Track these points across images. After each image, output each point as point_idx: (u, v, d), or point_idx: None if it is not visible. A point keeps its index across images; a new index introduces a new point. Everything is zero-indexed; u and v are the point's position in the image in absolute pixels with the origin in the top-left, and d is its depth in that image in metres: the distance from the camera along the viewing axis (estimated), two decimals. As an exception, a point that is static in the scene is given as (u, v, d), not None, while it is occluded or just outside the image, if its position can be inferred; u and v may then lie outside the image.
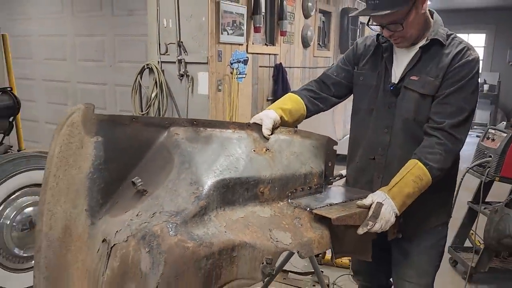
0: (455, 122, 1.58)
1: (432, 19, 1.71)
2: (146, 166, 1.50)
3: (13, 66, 5.95)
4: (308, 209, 1.54)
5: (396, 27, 1.59)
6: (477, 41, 11.36)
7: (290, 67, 5.95)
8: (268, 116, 1.65)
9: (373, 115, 1.80)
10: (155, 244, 1.27)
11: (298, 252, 1.43)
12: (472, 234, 3.36)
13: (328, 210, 1.53)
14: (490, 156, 3.03)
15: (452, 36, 1.69)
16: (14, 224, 2.35)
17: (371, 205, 1.51)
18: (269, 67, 5.48)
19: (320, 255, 3.32)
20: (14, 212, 2.35)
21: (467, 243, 3.54)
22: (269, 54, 5.45)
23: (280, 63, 5.61)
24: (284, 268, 3.14)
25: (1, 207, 2.29)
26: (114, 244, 1.33)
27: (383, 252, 1.88)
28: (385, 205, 1.50)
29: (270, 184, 1.55)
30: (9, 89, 2.84)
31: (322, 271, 3.16)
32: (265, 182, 1.54)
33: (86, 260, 1.46)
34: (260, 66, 5.28)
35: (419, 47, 1.68)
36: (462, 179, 3.05)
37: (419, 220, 1.74)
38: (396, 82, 1.72)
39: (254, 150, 1.59)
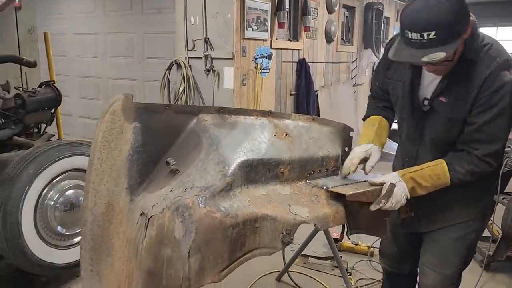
0: (489, 152, 1.57)
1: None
2: (178, 149, 1.67)
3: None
4: (324, 187, 1.69)
5: (444, 62, 1.46)
6: (506, 34, 11.14)
7: (313, 62, 6.06)
8: (376, 155, 1.82)
9: (405, 124, 1.83)
10: (187, 215, 1.44)
11: (315, 225, 1.58)
12: (491, 223, 3.41)
13: (343, 188, 1.67)
14: (509, 147, 3.08)
15: (487, 48, 1.53)
16: (57, 205, 2.58)
17: (382, 184, 1.64)
18: (293, 62, 5.61)
19: (339, 241, 3.45)
20: (57, 194, 2.58)
21: (486, 233, 3.59)
22: (293, 49, 5.57)
23: (304, 58, 5.72)
24: (304, 253, 3.30)
25: (46, 189, 2.52)
26: (151, 216, 1.51)
27: (412, 241, 1.98)
28: (398, 186, 1.62)
29: (289, 165, 1.70)
30: (52, 82, 3.09)
31: (341, 257, 3.30)
32: (285, 164, 1.69)
33: (126, 231, 1.65)
34: (284, 61, 5.41)
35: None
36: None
37: (450, 213, 1.81)
38: (423, 100, 1.69)
39: (275, 135, 1.74)
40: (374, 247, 3.32)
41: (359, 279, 3.03)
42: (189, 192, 1.49)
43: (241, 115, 1.74)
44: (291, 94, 5.65)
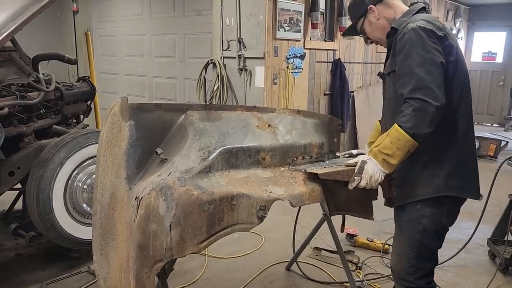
0: (412, 87, 1.68)
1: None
2: (169, 141, 1.88)
3: (102, 62, 6.84)
4: (303, 170, 1.82)
5: (364, 36, 2.05)
6: None
7: (349, 63, 6.08)
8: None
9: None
10: (169, 193, 1.63)
11: (290, 202, 1.71)
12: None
13: (319, 169, 1.79)
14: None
15: (410, 20, 1.82)
16: (85, 186, 2.88)
17: (356, 163, 1.75)
18: (327, 62, 5.67)
19: (354, 237, 3.51)
20: (85, 177, 2.88)
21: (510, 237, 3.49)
22: (328, 49, 5.64)
23: (339, 59, 5.77)
24: (317, 246, 3.40)
25: (75, 171, 2.83)
26: (142, 197, 1.71)
27: None
28: (368, 162, 1.72)
29: (271, 152, 1.85)
30: (87, 77, 3.43)
31: (353, 252, 3.37)
32: (265, 150, 1.84)
33: (126, 216, 1.87)
34: (318, 61, 5.49)
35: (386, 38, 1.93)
36: (498, 170, 3.07)
37: (406, 190, 1.87)
38: (382, 70, 1.98)
39: (257, 126, 1.90)
40: (389, 244, 3.35)
41: (367, 274, 3.09)
42: (172, 175, 1.69)
43: (227, 110, 1.91)
44: (325, 94, 5.72)
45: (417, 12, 1.89)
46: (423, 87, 1.66)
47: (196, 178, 1.66)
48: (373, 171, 1.71)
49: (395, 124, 1.71)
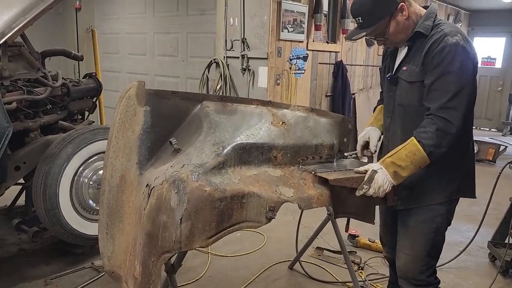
0: (441, 105, 1.69)
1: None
2: (182, 131, 1.89)
3: (103, 60, 6.84)
4: (313, 172, 1.84)
5: (379, 37, 1.85)
6: None
7: (351, 65, 6.12)
8: (374, 135, 2.06)
9: (385, 100, 2.07)
10: (181, 187, 1.64)
11: (298, 205, 1.73)
12: (512, 229, 3.35)
13: (329, 173, 1.81)
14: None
15: (438, 25, 1.78)
16: (91, 183, 2.89)
17: (366, 171, 1.76)
18: (329, 64, 5.71)
19: (356, 238, 3.54)
20: (91, 173, 2.89)
21: None
22: (330, 51, 5.68)
23: (341, 61, 5.81)
24: (319, 246, 3.42)
25: (82, 167, 2.84)
26: (153, 187, 1.73)
27: None
28: (379, 172, 1.74)
29: (283, 151, 1.87)
30: (94, 74, 3.44)
31: (355, 252, 3.39)
32: (278, 148, 1.86)
33: (135, 201, 1.89)
34: (320, 63, 5.53)
35: (406, 41, 1.85)
36: (500, 173, 3.10)
37: (420, 195, 1.90)
38: (393, 73, 1.94)
39: (271, 123, 1.91)
40: (390, 246, 3.37)
41: (369, 274, 3.11)
42: (186, 168, 1.70)
43: (242, 103, 1.93)
44: (326, 96, 5.75)
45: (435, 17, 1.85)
46: (451, 107, 1.68)
47: (209, 174, 1.67)
48: (382, 181, 1.72)
49: (414, 138, 1.72)
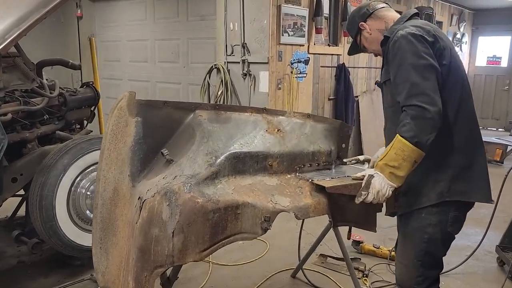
0: (407, 94, 1.67)
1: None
2: (175, 141, 1.85)
3: (105, 67, 6.84)
4: (310, 180, 1.78)
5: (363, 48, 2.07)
6: None
7: (354, 67, 6.06)
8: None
9: None
10: (173, 199, 1.60)
11: (295, 214, 1.67)
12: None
13: (327, 181, 1.75)
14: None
15: (399, 28, 1.80)
16: (88, 193, 2.85)
17: (364, 177, 1.70)
18: (332, 67, 5.65)
19: (360, 244, 3.47)
20: (88, 183, 2.85)
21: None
22: (332, 54, 5.62)
23: (343, 63, 5.75)
24: (323, 253, 3.36)
25: (78, 178, 2.80)
26: (145, 199, 1.69)
27: None
28: (375, 177, 1.68)
29: (278, 159, 1.82)
30: (91, 83, 3.41)
31: (359, 259, 3.32)
32: (273, 157, 1.81)
33: (128, 214, 1.85)
34: (322, 66, 5.47)
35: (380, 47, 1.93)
36: (507, 174, 3.03)
37: (409, 199, 1.83)
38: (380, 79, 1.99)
39: (266, 130, 1.86)
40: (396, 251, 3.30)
41: (374, 281, 3.04)
42: (178, 179, 1.66)
43: (236, 111, 1.88)
44: (329, 99, 5.69)
45: (409, 19, 1.88)
46: (418, 93, 1.65)
47: (202, 185, 1.63)
48: (380, 185, 1.67)
49: (397, 134, 1.68)
